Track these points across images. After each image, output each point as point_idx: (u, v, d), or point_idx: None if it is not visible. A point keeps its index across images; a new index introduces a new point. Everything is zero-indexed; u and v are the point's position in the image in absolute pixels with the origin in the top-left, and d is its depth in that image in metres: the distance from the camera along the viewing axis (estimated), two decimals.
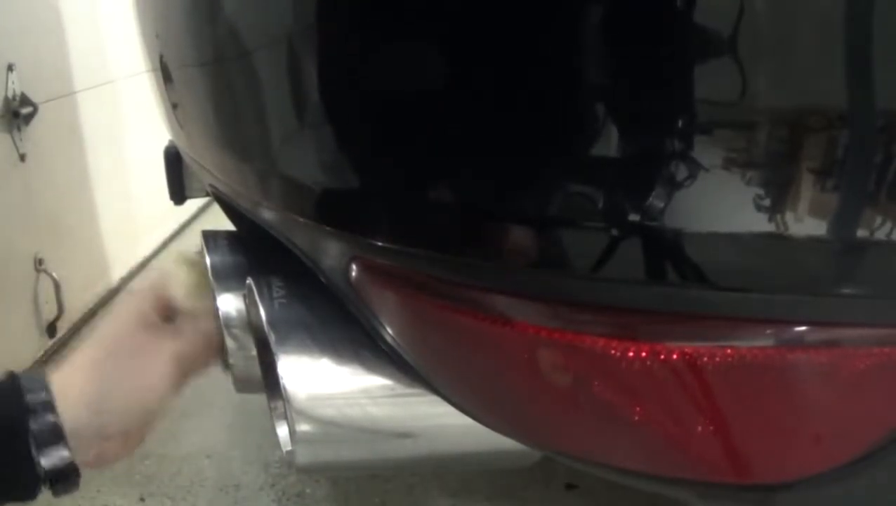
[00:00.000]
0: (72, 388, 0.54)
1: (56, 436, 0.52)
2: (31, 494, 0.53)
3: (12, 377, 0.53)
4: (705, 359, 0.39)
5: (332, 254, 0.49)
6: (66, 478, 0.53)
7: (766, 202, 0.35)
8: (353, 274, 0.48)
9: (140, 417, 0.57)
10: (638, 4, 0.34)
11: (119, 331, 0.59)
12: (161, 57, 0.65)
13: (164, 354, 0.58)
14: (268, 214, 0.55)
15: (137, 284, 0.60)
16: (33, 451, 0.51)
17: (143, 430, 0.59)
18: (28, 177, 1.46)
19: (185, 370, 0.60)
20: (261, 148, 0.50)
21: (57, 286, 1.53)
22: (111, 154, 1.86)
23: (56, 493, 0.54)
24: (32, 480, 0.52)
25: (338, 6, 0.40)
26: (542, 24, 0.34)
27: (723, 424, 0.41)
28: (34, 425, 0.51)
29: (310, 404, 0.49)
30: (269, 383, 0.61)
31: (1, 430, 0.51)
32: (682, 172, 0.35)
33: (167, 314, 0.62)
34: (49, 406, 0.52)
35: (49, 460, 0.52)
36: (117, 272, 1.87)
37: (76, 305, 1.65)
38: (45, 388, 0.52)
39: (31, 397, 0.52)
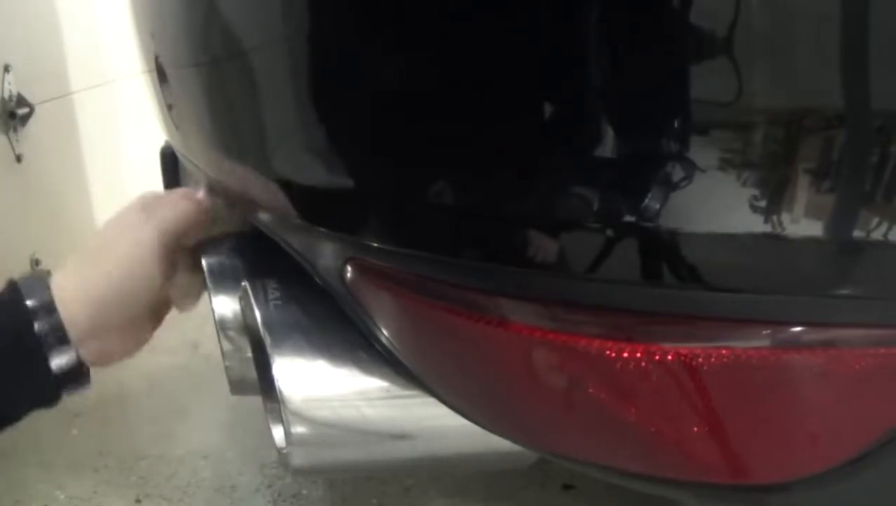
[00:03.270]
0: (67, 286, 0.55)
1: (60, 335, 0.54)
2: (52, 397, 0.55)
3: (13, 285, 0.55)
4: (701, 360, 0.39)
5: (327, 255, 0.49)
6: (76, 377, 0.56)
7: (762, 203, 0.35)
8: (349, 276, 0.48)
9: (134, 297, 0.58)
10: (634, 5, 0.34)
11: (104, 229, 0.61)
12: (156, 57, 0.65)
13: (145, 225, 0.59)
14: (263, 216, 0.55)
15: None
16: (45, 352, 0.53)
17: (143, 321, 0.62)
18: (25, 178, 1.46)
19: (169, 238, 0.60)
20: (256, 149, 0.50)
21: None
22: (108, 155, 1.86)
23: (69, 393, 0.56)
24: (50, 382, 0.54)
25: (331, 8, 0.40)
26: (535, 25, 0.34)
27: (719, 425, 0.41)
28: (39, 327, 0.53)
29: (305, 406, 0.49)
30: (265, 384, 0.61)
31: (10, 337, 0.53)
32: (677, 173, 0.35)
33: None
34: (50, 307, 0.54)
35: (57, 360, 0.54)
36: None
37: None
38: (46, 288, 0.55)
39: (31, 303, 0.53)
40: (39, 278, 0.56)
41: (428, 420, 0.51)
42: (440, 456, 0.54)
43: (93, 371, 0.59)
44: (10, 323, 0.53)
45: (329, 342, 0.51)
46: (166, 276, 0.61)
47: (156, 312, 0.64)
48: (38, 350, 0.53)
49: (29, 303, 0.54)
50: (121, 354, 0.60)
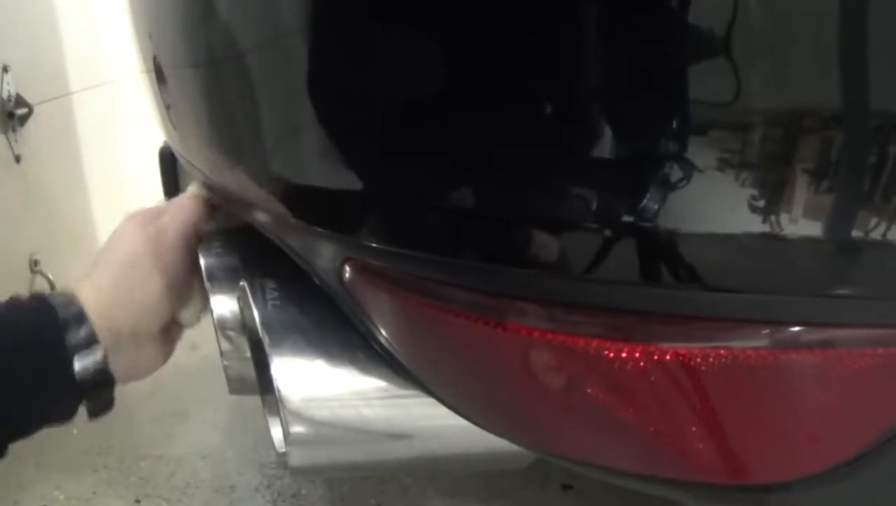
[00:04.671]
0: (99, 301, 0.55)
1: (90, 343, 0.53)
2: (69, 411, 0.54)
3: (41, 298, 0.54)
4: (699, 360, 0.39)
5: (325, 255, 0.49)
6: (99, 386, 0.54)
7: (761, 203, 0.35)
8: (347, 275, 0.48)
9: (167, 307, 0.60)
10: (632, 5, 0.34)
11: (135, 246, 0.60)
12: (154, 58, 0.65)
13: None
14: (261, 216, 0.55)
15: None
16: (72, 364, 0.52)
17: (171, 334, 0.63)
18: (23, 178, 1.46)
19: (185, 234, 0.63)
20: (254, 149, 0.50)
21: (52, 287, 1.52)
22: (107, 155, 1.86)
23: (92, 409, 0.55)
24: (70, 393, 0.52)
25: (329, 9, 0.40)
26: (533, 25, 0.34)
27: (718, 425, 0.41)
28: (71, 339, 0.52)
29: (304, 406, 0.49)
30: (264, 384, 0.61)
31: (39, 346, 0.52)
32: (676, 173, 0.35)
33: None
34: (82, 317, 0.53)
35: (83, 363, 0.52)
36: None
37: None
38: (74, 301, 0.54)
39: (63, 312, 0.53)
40: (67, 293, 0.56)
41: (426, 420, 0.51)
42: (438, 456, 0.54)
43: None
44: (34, 326, 0.53)
45: (327, 342, 0.51)
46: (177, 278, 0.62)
47: (167, 330, 0.64)
48: (67, 365, 0.52)
49: (58, 311, 0.53)
50: (146, 370, 0.61)
